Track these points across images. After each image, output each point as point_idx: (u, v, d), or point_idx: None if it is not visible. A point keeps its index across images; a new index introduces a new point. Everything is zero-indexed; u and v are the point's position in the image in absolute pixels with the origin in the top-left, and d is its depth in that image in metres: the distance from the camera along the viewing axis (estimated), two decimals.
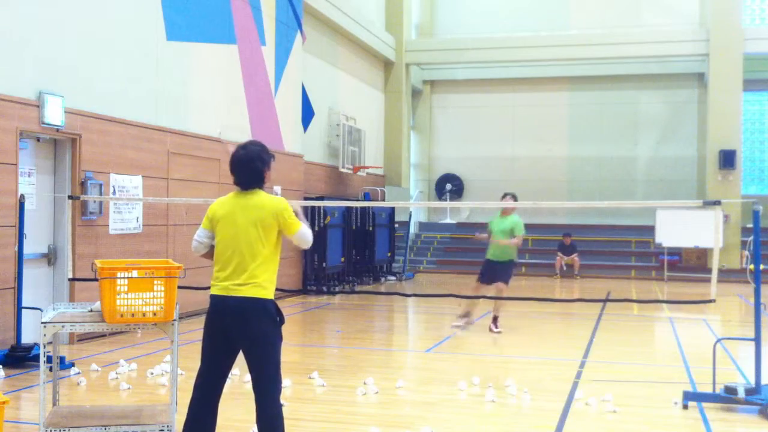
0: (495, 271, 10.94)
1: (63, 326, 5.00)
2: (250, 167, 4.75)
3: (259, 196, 4.75)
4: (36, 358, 7.72)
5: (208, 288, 4.78)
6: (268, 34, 14.36)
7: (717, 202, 6.84)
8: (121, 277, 4.94)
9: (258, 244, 4.64)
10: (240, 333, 4.60)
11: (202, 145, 12.21)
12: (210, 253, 4.83)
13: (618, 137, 23.89)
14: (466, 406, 6.79)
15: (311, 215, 15.76)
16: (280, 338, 4.69)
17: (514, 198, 10.75)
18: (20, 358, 8.06)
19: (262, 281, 4.64)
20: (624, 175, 23.66)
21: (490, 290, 10.90)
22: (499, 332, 10.86)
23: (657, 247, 20.83)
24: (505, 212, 10.99)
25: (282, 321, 4.72)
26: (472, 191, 24.57)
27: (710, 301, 6.82)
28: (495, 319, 11.02)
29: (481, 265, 11.13)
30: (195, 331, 4.72)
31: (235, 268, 4.62)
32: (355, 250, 17.85)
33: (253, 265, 4.62)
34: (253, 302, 4.59)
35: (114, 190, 10.16)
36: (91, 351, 8.99)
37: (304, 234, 4.76)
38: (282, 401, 4.70)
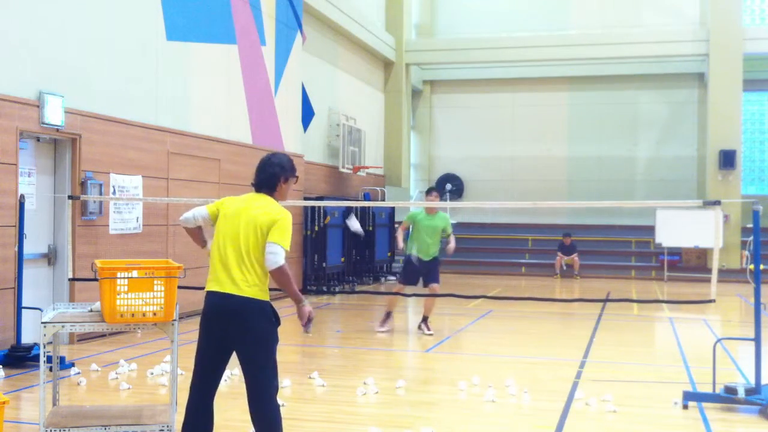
0: (427, 271, 10.73)
1: (63, 326, 5.00)
2: (268, 170, 4.81)
3: (267, 201, 4.77)
4: (36, 358, 7.72)
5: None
6: (268, 34, 14.36)
7: (717, 202, 6.85)
8: (121, 277, 4.94)
9: (257, 245, 4.64)
10: (239, 333, 4.61)
11: (202, 145, 12.20)
12: (194, 233, 4.94)
13: (618, 137, 23.88)
14: (466, 406, 6.79)
15: (311, 215, 15.77)
16: (276, 339, 4.71)
17: (441, 195, 10.44)
18: (20, 358, 8.06)
19: (260, 283, 4.65)
20: (624, 175, 23.64)
21: (420, 291, 10.60)
22: (431, 334, 10.59)
23: (657, 247, 20.83)
24: (432, 211, 10.77)
25: (278, 322, 4.72)
26: (472, 191, 24.56)
27: (710, 301, 6.83)
28: (425, 320, 10.78)
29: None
30: (195, 331, 4.71)
31: (235, 267, 4.62)
32: (355, 250, 17.86)
33: (252, 265, 4.63)
34: (253, 303, 4.60)
35: (114, 190, 10.16)
36: (91, 351, 8.99)
37: (281, 251, 4.61)
38: (281, 401, 4.71)
